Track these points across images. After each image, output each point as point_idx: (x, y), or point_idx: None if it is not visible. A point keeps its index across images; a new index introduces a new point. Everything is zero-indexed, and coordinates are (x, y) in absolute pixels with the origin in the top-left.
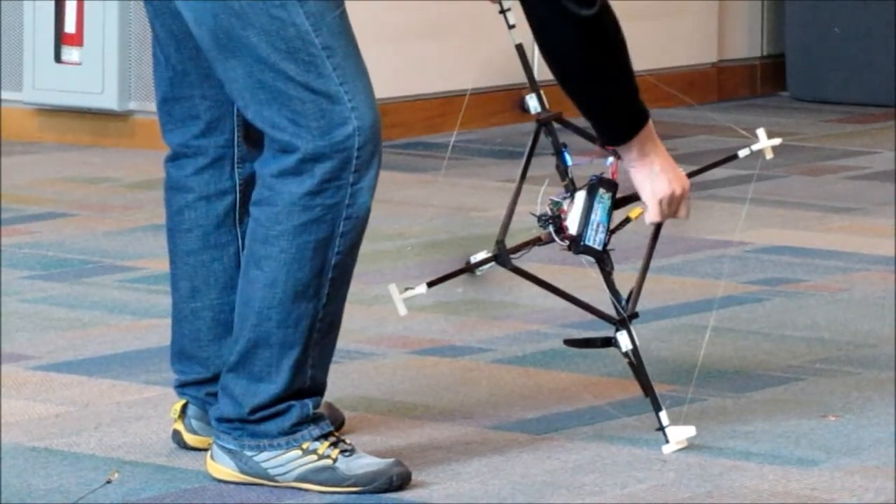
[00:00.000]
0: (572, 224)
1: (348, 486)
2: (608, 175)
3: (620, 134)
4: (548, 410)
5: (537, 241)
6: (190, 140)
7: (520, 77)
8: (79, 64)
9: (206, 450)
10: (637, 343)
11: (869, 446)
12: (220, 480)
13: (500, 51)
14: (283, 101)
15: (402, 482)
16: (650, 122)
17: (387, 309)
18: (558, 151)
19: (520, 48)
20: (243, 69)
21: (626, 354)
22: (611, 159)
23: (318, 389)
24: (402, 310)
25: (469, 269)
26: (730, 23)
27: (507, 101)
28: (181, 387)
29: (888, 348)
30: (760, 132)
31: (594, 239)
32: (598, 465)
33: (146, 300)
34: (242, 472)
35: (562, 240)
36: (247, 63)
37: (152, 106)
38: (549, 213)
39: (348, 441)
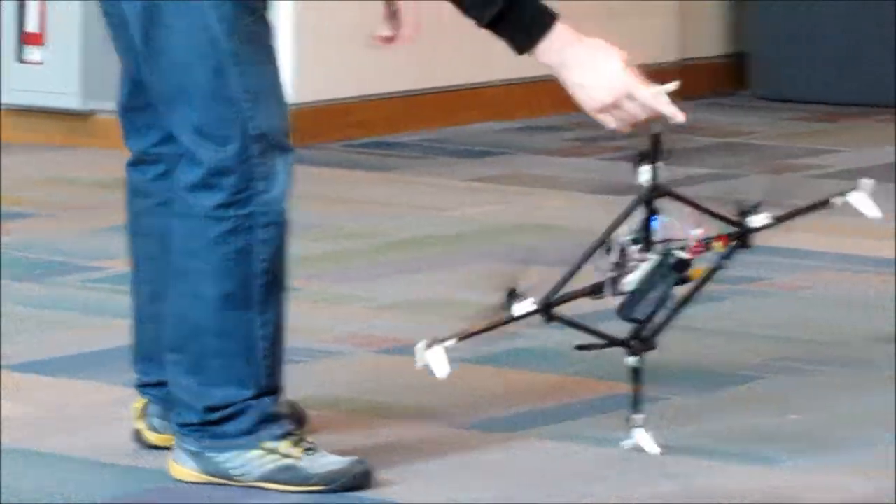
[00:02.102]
0: (629, 285)
1: (311, 484)
2: (687, 251)
3: (521, 35)
4: (516, 409)
5: (586, 293)
6: (149, 147)
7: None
8: (40, 63)
9: (168, 448)
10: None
11: (832, 445)
12: (183, 482)
13: (461, 50)
14: (192, 107)
15: (365, 481)
16: (558, 24)
17: (351, 308)
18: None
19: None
20: (160, 72)
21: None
22: (696, 232)
23: (272, 391)
24: (444, 371)
25: (509, 321)
26: (692, 21)
27: (470, 99)
28: (142, 387)
29: (850, 346)
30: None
31: (642, 312)
32: (566, 464)
33: (112, 300)
34: (205, 472)
35: (613, 294)
36: (162, 66)
37: (109, 104)
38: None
39: (310, 439)
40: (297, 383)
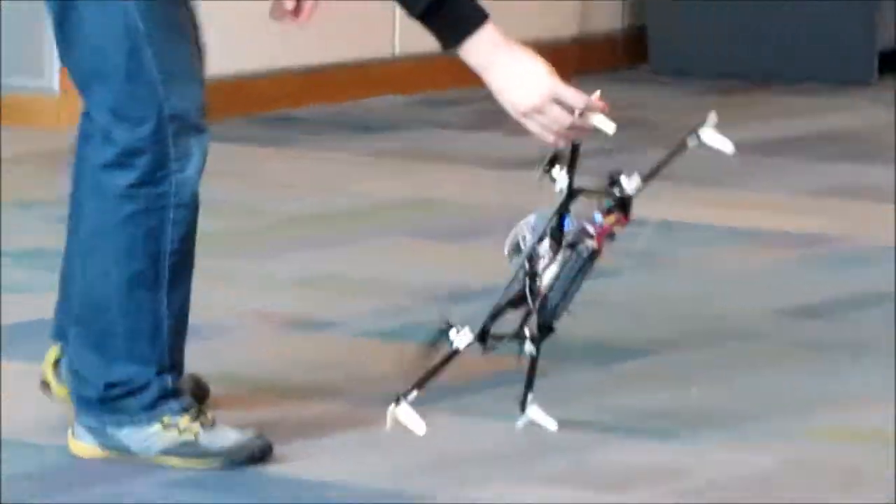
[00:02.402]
0: (547, 287)
1: (210, 459)
2: (594, 241)
3: (448, 31)
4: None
5: (511, 306)
6: None
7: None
8: None
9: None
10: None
11: (730, 420)
12: (83, 458)
13: (359, 24)
14: (108, 89)
15: (263, 455)
16: (487, 25)
17: (250, 284)
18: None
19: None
20: (76, 55)
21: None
22: (599, 218)
23: (174, 368)
24: (421, 427)
25: (454, 355)
26: None
27: (372, 73)
28: (60, 332)
29: (749, 321)
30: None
31: (557, 311)
32: (465, 440)
33: (11, 277)
34: (105, 448)
35: (534, 301)
36: (78, 48)
37: (22, 81)
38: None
39: (210, 415)
40: (196, 360)
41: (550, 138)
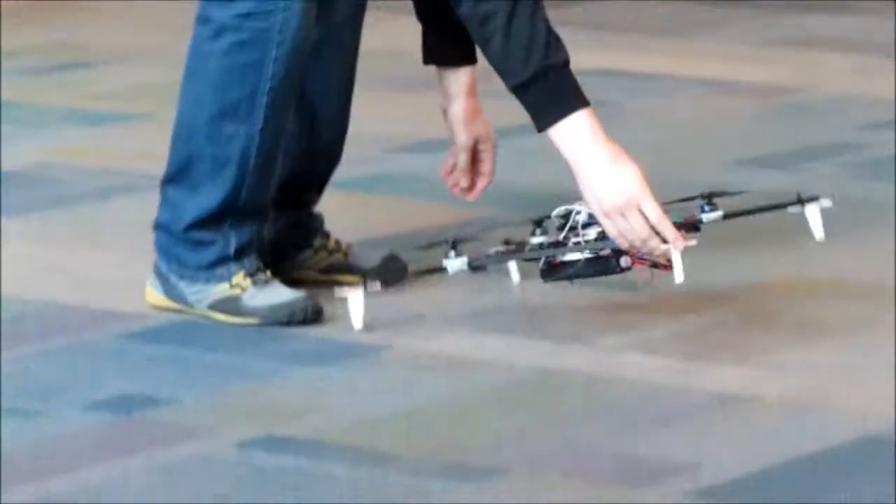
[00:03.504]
0: (564, 258)
1: (248, 316)
2: (631, 260)
3: (544, 108)
4: (382, 233)
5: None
6: None
7: None
8: None
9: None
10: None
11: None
12: (155, 306)
13: None
14: None
15: (305, 317)
16: (585, 111)
17: None
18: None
19: None
20: None
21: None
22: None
23: (255, 213)
24: (358, 324)
25: (433, 272)
26: None
27: None
28: None
29: (706, 171)
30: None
31: (556, 278)
32: (423, 298)
33: None
34: (168, 296)
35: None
36: None
37: None
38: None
39: (267, 273)
40: None
41: (624, 244)
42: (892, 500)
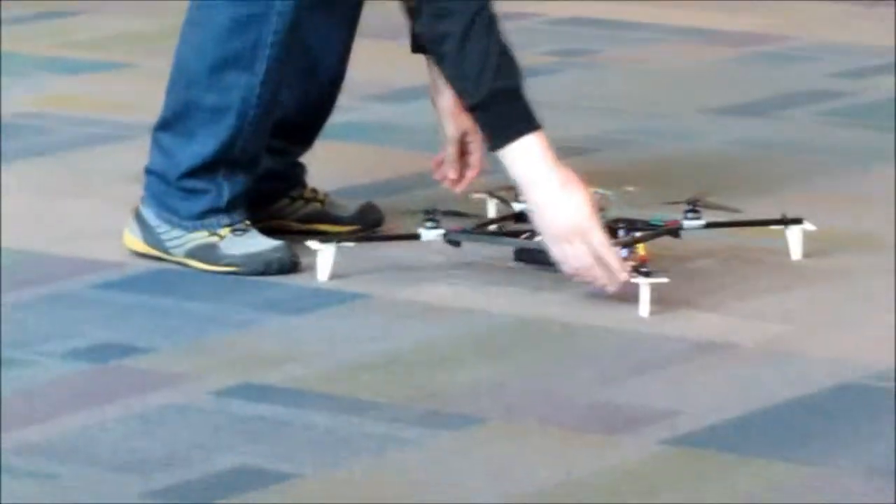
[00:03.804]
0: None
1: (223, 265)
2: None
3: (497, 130)
4: (351, 182)
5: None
6: None
7: None
8: None
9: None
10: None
11: (665, 210)
12: (130, 251)
13: None
14: None
15: (283, 267)
16: (537, 135)
17: None
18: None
19: None
20: None
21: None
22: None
23: (248, 164)
24: (324, 276)
25: (407, 238)
26: None
27: None
28: None
29: (683, 119)
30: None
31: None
32: (398, 252)
33: None
34: (146, 242)
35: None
36: None
37: None
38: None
39: (247, 222)
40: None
41: (569, 270)
42: (868, 446)
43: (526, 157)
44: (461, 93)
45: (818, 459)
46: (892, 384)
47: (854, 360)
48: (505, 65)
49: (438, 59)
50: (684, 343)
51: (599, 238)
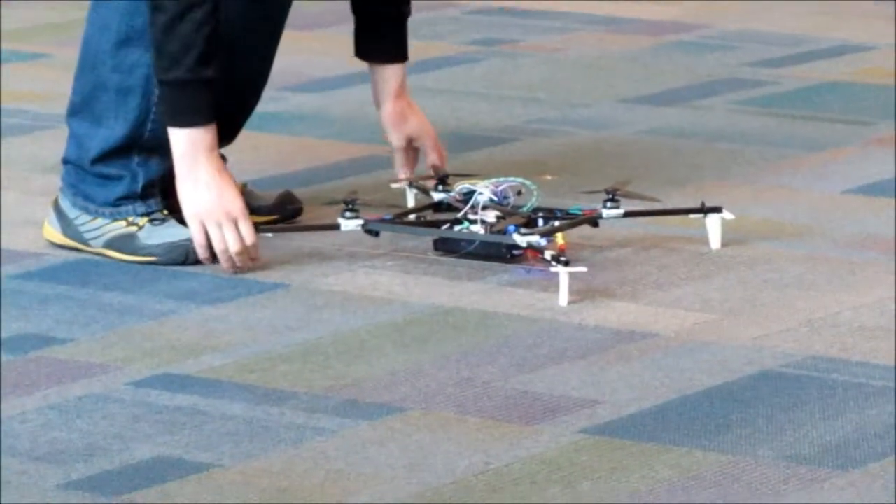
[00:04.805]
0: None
1: (143, 255)
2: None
3: (169, 112)
4: (270, 173)
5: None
6: None
7: None
8: None
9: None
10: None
11: (583, 199)
12: (50, 242)
13: None
14: None
15: (199, 258)
16: (201, 129)
17: None
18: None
19: None
20: None
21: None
22: (543, 241)
23: (162, 149)
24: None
25: (326, 228)
26: None
27: None
28: None
29: (601, 108)
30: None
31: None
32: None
33: None
34: (65, 234)
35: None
36: None
37: None
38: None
39: (166, 212)
40: None
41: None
42: (786, 434)
43: (183, 140)
44: (155, 66)
45: (737, 448)
46: (810, 372)
47: (772, 349)
48: (200, 56)
49: (150, 22)
50: (603, 332)
51: (217, 234)
